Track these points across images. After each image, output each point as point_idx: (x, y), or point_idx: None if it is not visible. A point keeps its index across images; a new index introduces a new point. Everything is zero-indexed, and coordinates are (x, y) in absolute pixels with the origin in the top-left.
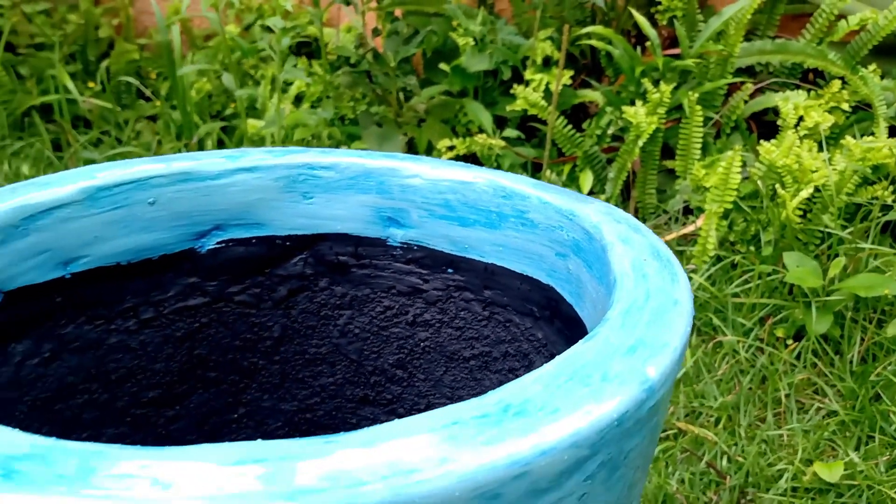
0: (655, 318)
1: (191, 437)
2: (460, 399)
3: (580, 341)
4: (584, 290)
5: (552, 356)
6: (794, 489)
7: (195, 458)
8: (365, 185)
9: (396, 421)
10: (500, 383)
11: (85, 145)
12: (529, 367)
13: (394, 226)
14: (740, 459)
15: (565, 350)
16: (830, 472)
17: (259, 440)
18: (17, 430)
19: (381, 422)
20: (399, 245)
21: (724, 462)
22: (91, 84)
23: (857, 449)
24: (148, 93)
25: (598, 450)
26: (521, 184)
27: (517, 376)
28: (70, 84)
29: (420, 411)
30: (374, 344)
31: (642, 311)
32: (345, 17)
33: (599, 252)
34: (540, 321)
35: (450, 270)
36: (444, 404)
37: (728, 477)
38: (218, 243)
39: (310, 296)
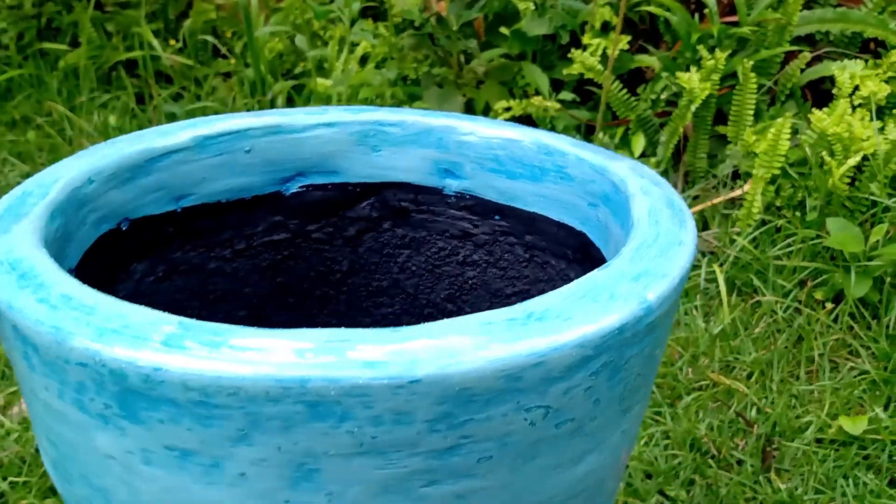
0: (660, 253)
1: None
2: None
3: (597, 269)
4: (609, 235)
5: None
6: (819, 440)
7: (297, 337)
8: (426, 141)
9: (447, 320)
10: None
11: (166, 99)
12: None
13: (449, 177)
14: (769, 411)
15: None
16: (855, 425)
17: (343, 328)
18: (167, 312)
19: None
20: (453, 194)
21: (754, 412)
22: (172, 42)
23: (886, 407)
24: (224, 50)
25: (601, 352)
26: (561, 142)
27: None
28: (153, 41)
29: None
30: (428, 280)
31: (651, 248)
32: None
33: (624, 202)
34: (573, 263)
35: (497, 217)
36: None
37: (756, 426)
38: (300, 187)
39: (374, 236)
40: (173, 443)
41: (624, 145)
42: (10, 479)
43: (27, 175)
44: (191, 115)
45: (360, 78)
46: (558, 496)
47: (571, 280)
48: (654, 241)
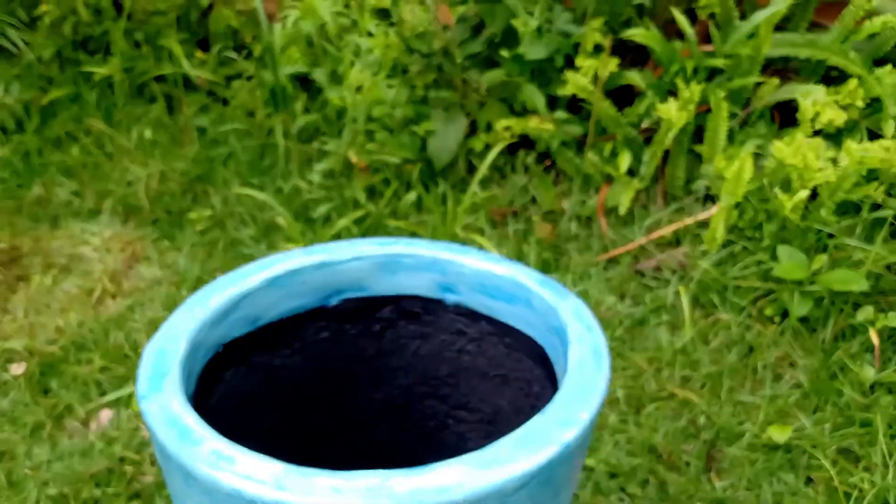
0: (580, 401)
1: (324, 417)
2: (488, 401)
3: (537, 415)
4: (557, 353)
5: (541, 385)
6: (754, 446)
7: (350, 477)
8: (432, 268)
9: (441, 462)
10: (513, 393)
11: (196, 113)
12: (529, 388)
13: (448, 292)
14: (715, 420)
15: (547, 382)
16: (781, 433)
17: (379, 470)
18: (271, 458)
19: (438, 410)
20: (451, 304)
21: (703, 419)
22: (198, 54)
23: (814, 412)
24: (240, 57)
25: (536, 476)
26: (530, 280)
27: (523, 392)
28: (181, 55)
29: (463, 408)
30: (433, 362)
31: (573, 399)
32: None
33: (565, 340)
34: (536, 363)
35: (483, 322)
36: (480, 402)
37: (703, 432)
38: (339, 301)
39: (393, 331)
40: None
41: (613, 158)
42: (101, 486)
43: (75, 192)
44: (219, 133)
45: (373, 95)
46: None
47: (533, 371)
48: (576, 389)
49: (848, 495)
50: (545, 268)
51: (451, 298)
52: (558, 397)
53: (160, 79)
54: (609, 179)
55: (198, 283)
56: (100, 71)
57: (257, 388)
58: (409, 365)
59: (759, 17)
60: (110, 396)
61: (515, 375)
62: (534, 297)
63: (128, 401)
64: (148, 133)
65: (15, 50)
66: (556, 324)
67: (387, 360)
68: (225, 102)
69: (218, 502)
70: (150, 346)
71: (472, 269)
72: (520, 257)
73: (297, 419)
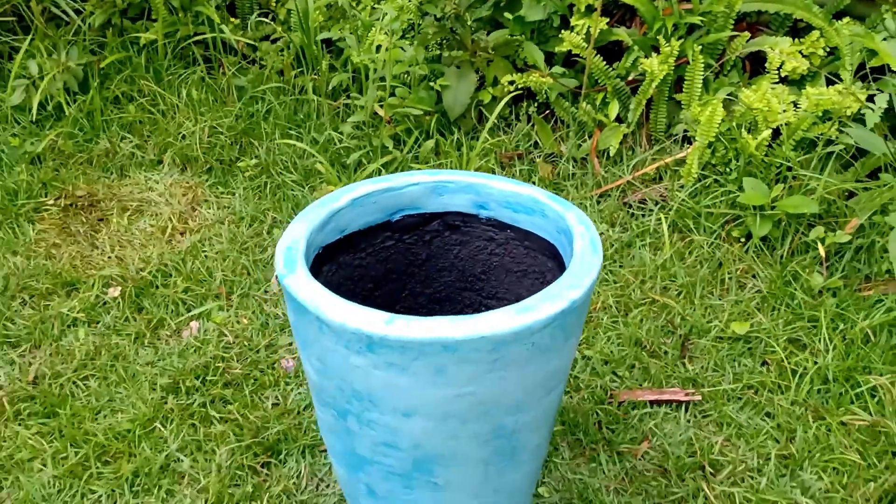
0: (581, 275)
1: (388, 309)
2: (512, 290)
3: (554, 282)
4: (564, 248)
5: (553, 274)
6: (720, 338)
7: (436, 321)
8: (469, 191)
9: (492, 310)
10: (532, 284)
11: (235, 74)
12: (543, 278)
13: (482, 209)
14: (689, 318)
15: (558, 271)
16: (742, 327)
17: (440, 316)
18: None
19: (474, 300)
20: (484, 218)
21: (679, 319)
22: (232, 20)
23: (771, 314)
24: (271, 22)
25: (554, 320)
26: (544, 196)
27: (539, 281)
28: (216, 18)
29: (493, 297)
30: (470, 263)
31: (576, 272)
32: None
33: (570, 238)
34: (549, 258)
35: (509, 230)
36: (506, 292)
37: (679, 328)
38: (399, 217)
39: (440, 240)
40: (389, 361)
41: (604, 106)
42: (200, 378)
43: (137, 146)
44: (256, 91)
45: (392, 55)
46: (542, 378)
47: (548, 265)
48: (579, 269)
49: (794, 372)
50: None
51: (484, 213)
52: (568, 272)
53: (198, 43)
54: (601, 125)
55: (253, 221)
56: (146, 35)
57: (344, 280)
58: (451, 266)
59: None
60: (195, 311)
61: (533, 269)
62: (547, 208)
63: (209, 314)
64: (193, 93)
65: (67, 18)
66: (564, 227)
67: (435, 262)
68: (253, 63)
69: (344, 340)
70: (279, 245)
71: (499, 191)
72: None
73: (371, 307)
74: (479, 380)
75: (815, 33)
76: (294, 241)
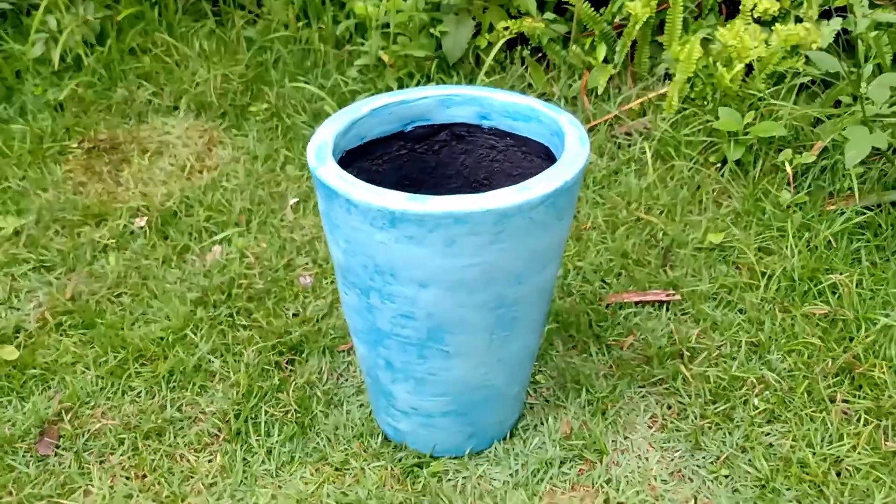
0: (571, 163)
1: None
2: None
3: (549, 168)
4: (558, 148)
5: None
6: (698, 249)
7: (447, 198)
8: (473, 103)
9: (497, 189)
10: None
11: (244, 26)
12: None
13: (485, 119)
14: (670, 233)
15: None
16: (717, 237)
17: (462, 193)
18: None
19: None
20: (486, 127)
21: (661, 234)
22: None
23: (744, 229)
24: None
25: (549, 197)
26: (539, 104)
27: None
28: None
29: None
30: (474, 169)
31: (568, 163)
32: None
33: (562, 138)
34: (544, 159)
35: (508, 138)
36: None
37: (661, 241)
38: (412, 127)
39: (448, 148)
40: (408, 234)
41: (592, 50)
42: (225, 293)
43: (153, 93)
44: (265, 41)
45: (394, 4)
46: (539, 252)
47: (544, 168)
48: (570, 160)
49: (764, 274)
50: None
51: (486, 123)
52: (561, 161)
53: None
54: (589, 67)
55: (267, 160)
56: None
57: (363, 181)
58: (457, 173)
59: None
60: (217, 237)
61: (529, 172)
62: (542, 115)
63: (230, 240)
64: (205, 44)
65: None
66: (557, 129)
67: (443, 170)
68: (258, 18)
69: (369, 218)
70: (310, 145)
71: (500, 102)
72: None
73: None
74: (484, 251)
75: None
76: (323, 142)
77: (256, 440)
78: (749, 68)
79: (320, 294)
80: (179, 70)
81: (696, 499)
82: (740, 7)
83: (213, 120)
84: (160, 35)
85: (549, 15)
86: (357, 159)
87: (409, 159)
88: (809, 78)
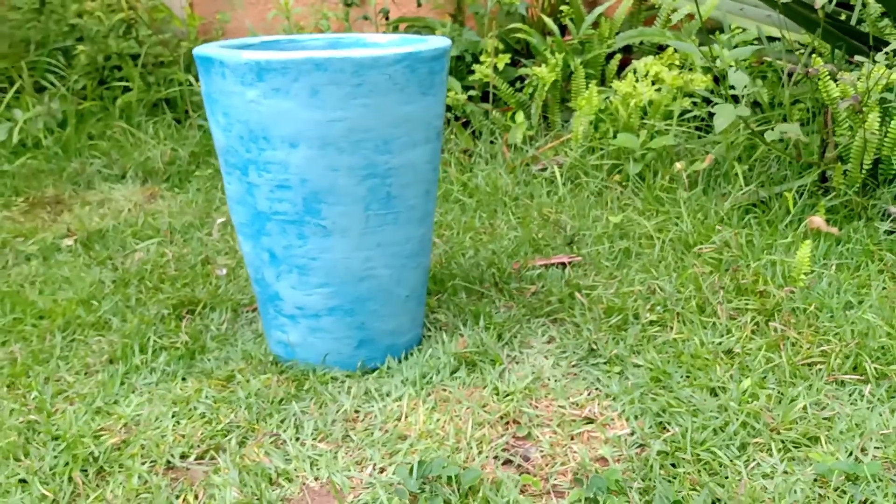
0: (434, 41)
1: None
2: None
3: (413, 43)
4: None
5: None
6: (600, 233)
7: (304, 50)
8: (358, 44)
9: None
10: None
11: (201, 116)
12: None
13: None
14: (576, 225)
15: None
16: (615, 217)
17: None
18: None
19: None
20: None
21: (570, 227)
22: (197, 84)
23: (644, 214)
24: None
25: (404, 58)
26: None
27: None
28: (182, 78)
29: None
30: None
31: (432, 43)
32: None
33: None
34: None
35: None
36: None
37: (567, 229)
38: None
39: None
40: (274, 87)
41: (513, 121)
42: (139, 278)
43: (106, 165)
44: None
45: None
46: (403, 121)
47: None
48: (433, 41)
49: (659, 238)
50: (462, 169)
51: None
52: (425, 43)
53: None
54: (507, 129)
55: (205, 202)
56: (124, 98)
57: None
58: None
59: (597, 11)
60: (140, 245)
61: None
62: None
63: (150, 249)
64: (161, 131)
65: (52, 88)
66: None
67: None
68: None
69: (241, 75)
70: (195, 52)
71: (386, 43)
72: (445, 166)
73: None
74: (347, 105)
75: (670, 50)
76: (207, 47)
77: (141, 360)
78: (644, 112)
79: (233, 277)
80: (132, 148)
81: (588, 392)
82: (635, 71)
83: (158, 184)
84: (119, 123)
85: (474, 94)
86: None
87: None
88: (700, 115)
